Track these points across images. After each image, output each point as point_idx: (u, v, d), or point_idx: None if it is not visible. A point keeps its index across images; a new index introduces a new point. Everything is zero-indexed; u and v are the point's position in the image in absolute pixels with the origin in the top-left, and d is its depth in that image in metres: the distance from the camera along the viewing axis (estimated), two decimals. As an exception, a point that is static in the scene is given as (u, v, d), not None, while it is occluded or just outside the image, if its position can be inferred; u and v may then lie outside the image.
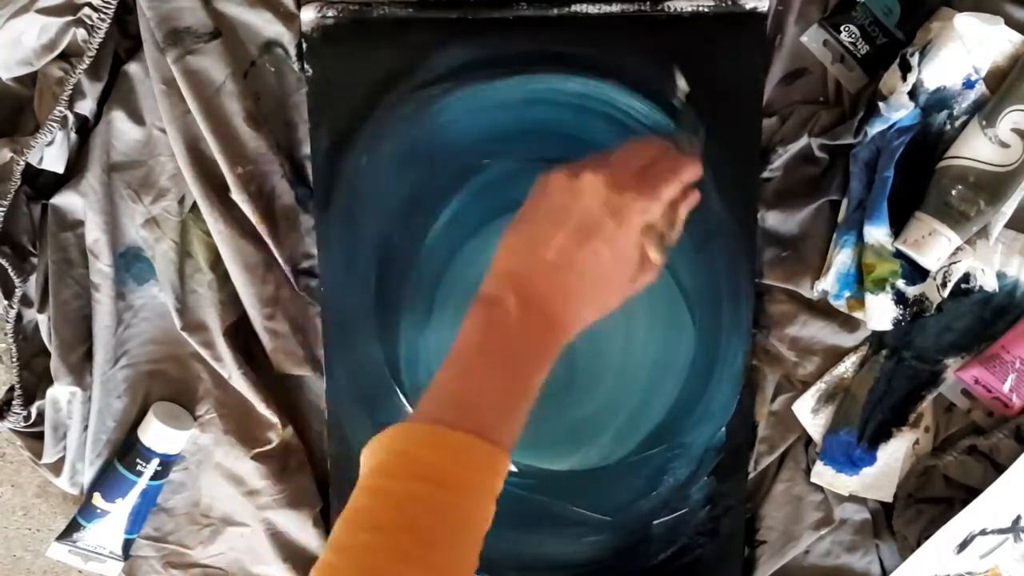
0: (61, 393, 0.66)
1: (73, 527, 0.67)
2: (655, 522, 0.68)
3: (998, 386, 0.62)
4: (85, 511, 0.67)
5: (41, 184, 0.65)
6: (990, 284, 0.61)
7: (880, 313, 0.61)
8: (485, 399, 0.47)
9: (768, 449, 0.67)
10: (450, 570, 0.44)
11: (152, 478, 0.67)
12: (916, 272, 0.61)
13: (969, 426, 0.65)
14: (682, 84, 0.60)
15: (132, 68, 0.63)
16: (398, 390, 0.66)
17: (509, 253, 0.50)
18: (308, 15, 0.62)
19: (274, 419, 0.67)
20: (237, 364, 0.66)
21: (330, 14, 0.62)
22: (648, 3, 0.61)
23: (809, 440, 0.67)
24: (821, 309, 0.64)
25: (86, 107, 0.63)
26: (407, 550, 0.42)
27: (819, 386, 0.65)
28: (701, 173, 0.52)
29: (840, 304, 0.63)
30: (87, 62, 0.61)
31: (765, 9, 0.60)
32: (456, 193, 0.64)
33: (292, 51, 0.63)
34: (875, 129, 0.59)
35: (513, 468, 0.67)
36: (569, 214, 0.48)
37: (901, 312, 0.61)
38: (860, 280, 0.62)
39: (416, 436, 0.45)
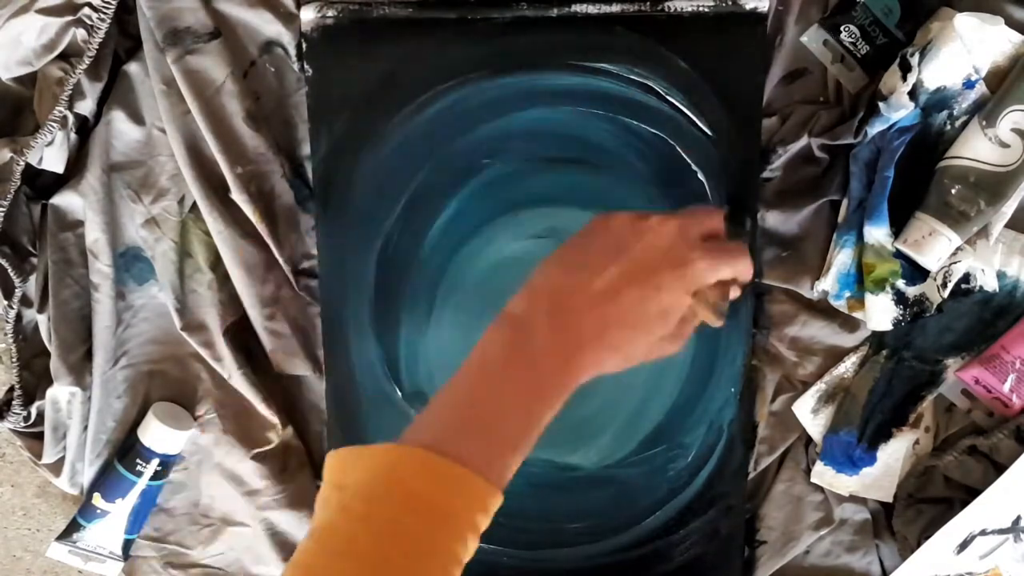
0: (61, 393, 0.66)
1: (73, 527, 0.67)
2: (655, 522, 0.68)
3: (998, 386, 0.62)
4: (85, 511, 0.67)
5: (41, 184, 0.65)
6: (990, 284, 0.61)
7: (880, 313, 0.61)
8: (495, 430, 0.44)
9: (768, 449, 0.67)
10: None
11: (152, 478, 0.67)
12: (916, 272, 0.61)
13: (969, 426, 0.65)
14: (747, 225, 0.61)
15: (132, 68, 0.63)
16: (398, 390, 0.66)
17: (551, 273, 0.47)
18: (308, 15, 0.62)
19: (274, 419, 0.67)
20: (237, 364, 0.66)
21: (330, 14, 0.62)
22: (648, 3, 0.61)
23: (809, 440, 0.67)
24: (821, 309, 0.64)
25: (86, 107, 0.63)
26: None
27: (819, 386, 0.65)
28: (751, 274, 0.51)
29: (840, 304, 0.63)
30: (87, 62, 0.61)
31: (765, 9, 0.60)
32: (456, 193, 0.64)
33: (292, 51, 0.63)
34: (875, 129, 0.59)
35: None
36: (629, 251, 0.46)
37: (901, 312, 0.61)
38: (860, 280, 0.62)
39: (411, 463, 0.42)
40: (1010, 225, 0.61)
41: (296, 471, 0.68)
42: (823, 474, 0.66)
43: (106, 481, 0.67)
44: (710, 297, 0.49)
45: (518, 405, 0.44)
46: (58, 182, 0.65)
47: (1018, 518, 0.63)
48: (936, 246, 0.59)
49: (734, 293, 0.52)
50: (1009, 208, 0.60)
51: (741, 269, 0.50)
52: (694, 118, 0.62)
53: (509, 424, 0.44)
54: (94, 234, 0.64)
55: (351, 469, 0.43)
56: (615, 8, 0.61)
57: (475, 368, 0.45)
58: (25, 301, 0.65)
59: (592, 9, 0.61)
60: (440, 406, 0.45)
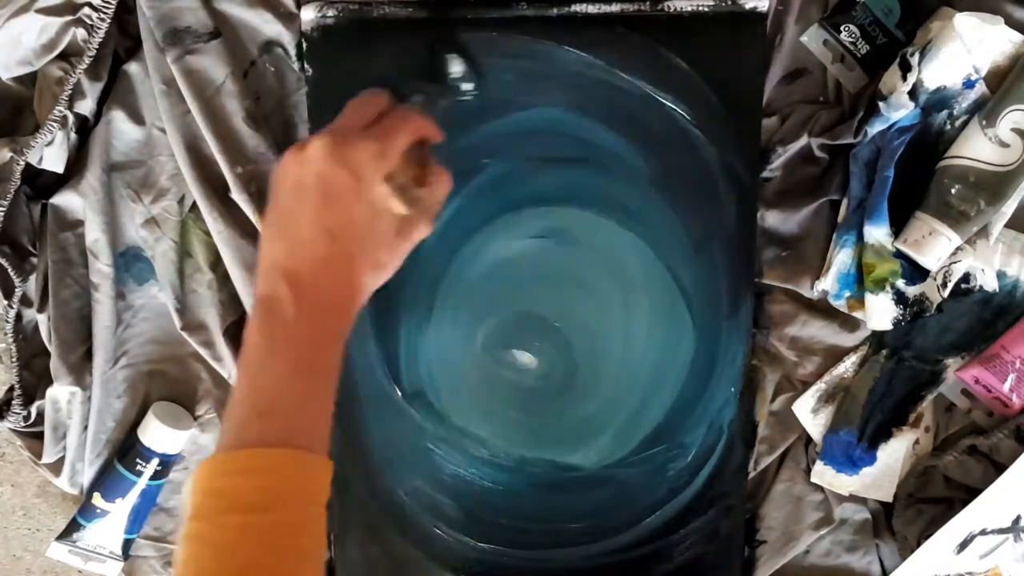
0: (61, 393, 0.66)
1: (73, 527, 0.67)
2: (655, 522, 0.68)
3: (998, 386, 0.62)
4: (85, 511, 0.67)
5: (41, 184, 0.65)
6: (990, 284, 0.61)
7: (880, 313, 0.61)
8: (284, 405, 0.45)
9: (768, 449, 0.67)
10: None
11: (152, 478, 0.67)
12: (916, 272, 0.61)
13: (969, 426, 0.65)
14: (456, 69, 0.59)
15: (132, 68, 0.63)
16: (398, 390, 0.66)
17: (268, 244, 0.47)
18: (308, 15, 0.62)
19: (274, 419, 0.67)
20: (237, 364, 0.66)
21: (330, 14, 0.62)
22: (648, 3, 0.61)
23: (809, 440, 0.67)
24: (821, 309, 0.64)
25: (86, 107, 0.63)
26: None
27: (819, 386, 0.65)
28: (434, 131, 0.51)
29: (840, 304, 0.63)
30: (87, 62, 0.61)
31: (765, 9, 0.60)
32: (456, 192, 0.64)
33: (292, 51, 0.63)
34: (875, 129, 0.59)
35: (512, 464, 0.68)
36: (306, 185, 0.46)
37: (901, 312, 0.61)
38: (860, 280, 0.62)
39: (223, 467, 0.43)
40: (1010, 225, 0.61)
41: (296, 471, 0.68)
42: (823, 474, 0.66)
43: (106, 481, 0.67)
44: (398, 178, 0.49)
45: (301, 371, 0.45)
46: (58, 182, 0.65)
47: (1018, 518, 0.63)
48: (936, 246, 0.59)
49: (440, 179, 0.51)
50: (1009, 208, 0.60)
51: (414, 127, 0.49)
52: (693, 118, 0.62)
53: (301, 392, 0.45)
54: (94, 234, 0.64)
55: (186, 496, 0.44)
56: (615, 8, 0.61)
57: (247, 360, 0.46)
58: (25, 301, 0.65)
59: (592, 9, 0.61)
60: (232, 411, 0.46)
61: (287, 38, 0.63)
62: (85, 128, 0.64)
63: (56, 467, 0.68)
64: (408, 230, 0.49)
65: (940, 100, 0.59)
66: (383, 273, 0.49)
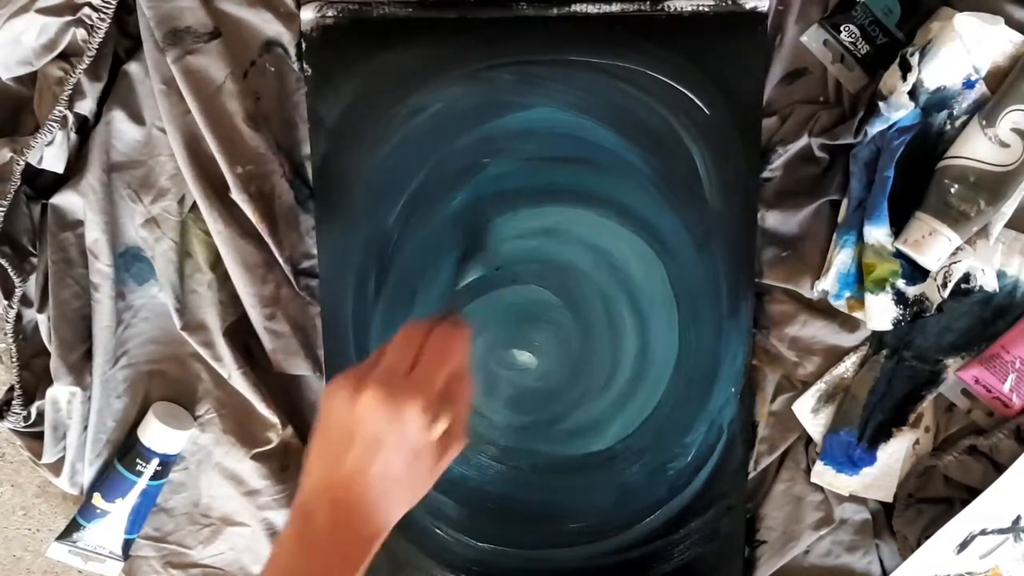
0: (61, 393, 0.66)
1: (73, 527, 0.67)
2: (654, 522, 0.68)
3: (998, 386, 0.62)
4: (85, 511, 0.67)
5: (41, 184, 0.65)
6: (990, 284, 0.61)
7: (880, 313, 0.61)
8: None
9: (768, 449, 0.67)
10: None
11: (152, 478, 0.67)
12: (916, 272, 0.61)
13: (969, 426, 0.65)
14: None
15: (132, 68, 0.63)
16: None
17: (316, 463, 0.51)
18: (308, 15, 0.62)
19: (274, 419, 0.67)
20: (237, 364, 0.66)
21: (330, 14, 0.62)
22: (648, 3, 0.61)
23: (809, 440, 0.67)
24: (821, 309, 0.64)
25: (86, 107, 0.63)
26: None
27: (819, 386, 0.65)
28: (467, 349, 0.54)
29: (840, 304, 0.63)
30: (87, 62, 0.61)
31: (765, 9, 0.60)
32: (456, 192, 0.64)
33: (292, 51, 0.63)
34: (875, 129, 0.59)
35: (512, 463, 0.68)
36: (357, 431, 0.49)
37: (901, 312, 0.61)
38: (860, 280, 0.62)
39: None
40: (1010, 225, 0.61)
41: (296, 471, 0.68)
42: (823, 474, 0.66)
43: (106, 481, 0.67)
44: (437, 408, 0.51)
45: None
46: (58, 182, 0.65)
47: (1018, 518, 0.63)
48: (936, 246, 0.59)
49: (467, 388, 0.54)
50: (1009, 208, 0.60)
51: (456, 359, 0.52)
52: (693, 118, 0.62)
53: None
54: (94, 234, 0.64)
55: None
56: (615, 8, 0.61)
57: (275, 561, 0.50)
58: (25, 301, 0.65)
59: (592, 9, 0.61)
60: None
61: (287, 38, 0.63)
62: (85, 128, 0.64)
63: (56, 467, 0.68)
64: (445, 451, 0.52)
65: (940, 100, 0.59)
66: (413, 502, 0.52)
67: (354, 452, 0.49)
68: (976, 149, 0.58)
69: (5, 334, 0.66)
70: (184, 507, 0.70)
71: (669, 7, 0.60)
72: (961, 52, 0.57)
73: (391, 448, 0.49)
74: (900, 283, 0.61)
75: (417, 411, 0.49)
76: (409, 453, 0.50)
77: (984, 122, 0.58)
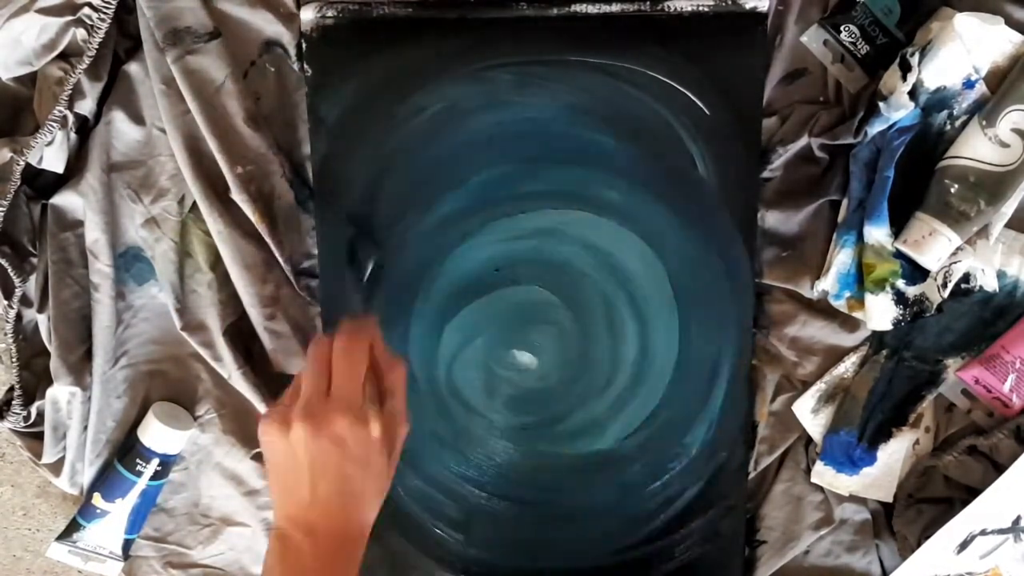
0: (61, 393, 0.66)
1: (73, 527, 0.67)
2: (655, 522, 0.68)
3: (998, 386, 0.62)
4: (85, 511, 0.67)
5: (41, 184, 0.65)
6: (990, 284, 0.61)
7: (880, 313, 0.61)
8: None
9: (768, 449, 0.67)
10: None
11: (152, 478, 0.67)
12: (916, 272, 0.61)
13: (969, 426, 0.65)
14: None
15: (132, 68, 0.63)
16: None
17: (279, 497, 0.53)
18: (308, 15, 0.62)
19: (274, 419, 0.67)
20: (237, 364, 0.66)
21: (330, 14, 0.62)
22: (648, 3, 0.61)
23: (809, 440, 0.67)
24: (821, 309, 0.64)
25: (86, 107, 0.63)
26: None
27: (819, 386, 0.65)
28: (377, 335, 0.55)
29: (840, 304, 0.63)
30: (87, 62, 0.61)
31: (765, 9, 0.60)
32: (455, 192, 0.64)
33: (292, 51, 0.63)
34: (875, 129, 0.59)
35: (512, 463, 0.68)
36: (299, 460, 0.51)
37: (901, 312, 0.61)
38: (860, 280, 0.62)
39: None
40: (1010, 225, 0.61)
41: (296, 471, 0.68)
42: (823, 474, 0.66)
43: (106, 481, 0.67)
44: (364, 405, 0.52)
45: None
46: (58, 182, 0.65)
47: (1018, 518, 0.63)
48: (936, 246, 0.59)
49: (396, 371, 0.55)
50: (1009, 208, 0.60)
51: (364, 365, 0.53)
52: (693, 118, 0.62)
53: None
54: (94, 234, 0.64)
55: None
56: (615, 8, 0.61)
57: None
58: (25, 301, 0.65)
59: (592, 9, 0.61)
60: None
61: (287, 38, 0.63)
62: (85, 128, 0.64)
63: (56, 467, 0.68)
64: (393, 442, 0.54)
65: (940, 100, 0.59)
66: (385, 491, 0.54)
67: (310, 481, 0.51)
68: (976, 149, 0.58)
69: (5, 334, 0.66)
70: (184, 507, 0.70)
71: (669, 7, 0.60)
72: (961, 52, 0.57)
73: (341, 466, 0.51)
74: (900, 283, 0.61)
75: (347, 425, 0.51)
76: (358, 462, 0.51)
77: (984, 122, 0.58)
